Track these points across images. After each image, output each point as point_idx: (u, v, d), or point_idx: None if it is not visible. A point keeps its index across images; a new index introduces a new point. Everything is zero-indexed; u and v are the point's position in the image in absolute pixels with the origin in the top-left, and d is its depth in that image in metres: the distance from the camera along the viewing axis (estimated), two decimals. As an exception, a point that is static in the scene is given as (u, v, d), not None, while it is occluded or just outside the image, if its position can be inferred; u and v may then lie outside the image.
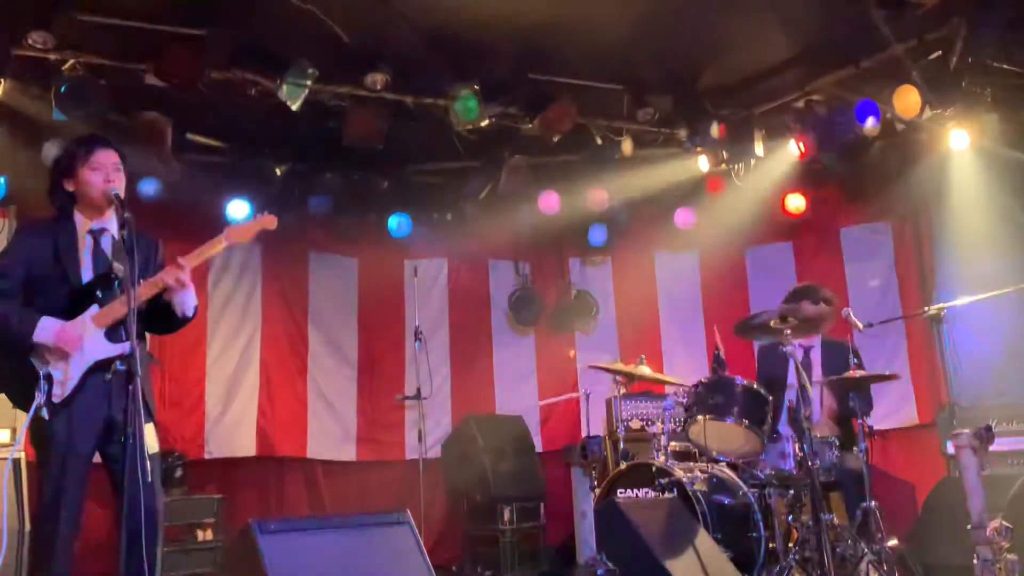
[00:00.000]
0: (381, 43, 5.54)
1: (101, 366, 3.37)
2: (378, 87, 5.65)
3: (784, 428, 5.13)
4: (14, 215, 5.91)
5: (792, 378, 4.87)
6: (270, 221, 3.74)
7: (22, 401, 3.32)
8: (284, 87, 5.38)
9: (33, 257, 3.47)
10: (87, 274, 3.48)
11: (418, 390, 6.69)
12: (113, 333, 3.42)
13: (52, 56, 5.12)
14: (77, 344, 3.35)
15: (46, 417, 3.27)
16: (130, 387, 2.93)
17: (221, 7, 5.03)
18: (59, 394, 3.31)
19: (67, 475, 3.32)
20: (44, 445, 3.35)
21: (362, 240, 7.47)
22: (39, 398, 3.24)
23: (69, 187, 3.54)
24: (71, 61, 5.15)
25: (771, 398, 5.03)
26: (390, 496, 7.14)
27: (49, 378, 3.31)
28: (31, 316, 3.34)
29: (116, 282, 3.42)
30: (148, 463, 3.06)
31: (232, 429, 6.90)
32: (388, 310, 7.57)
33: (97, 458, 3.45)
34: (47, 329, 3.33)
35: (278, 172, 6.56)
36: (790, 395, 5.22)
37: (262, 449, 6.96)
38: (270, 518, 2.99)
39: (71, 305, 3.42)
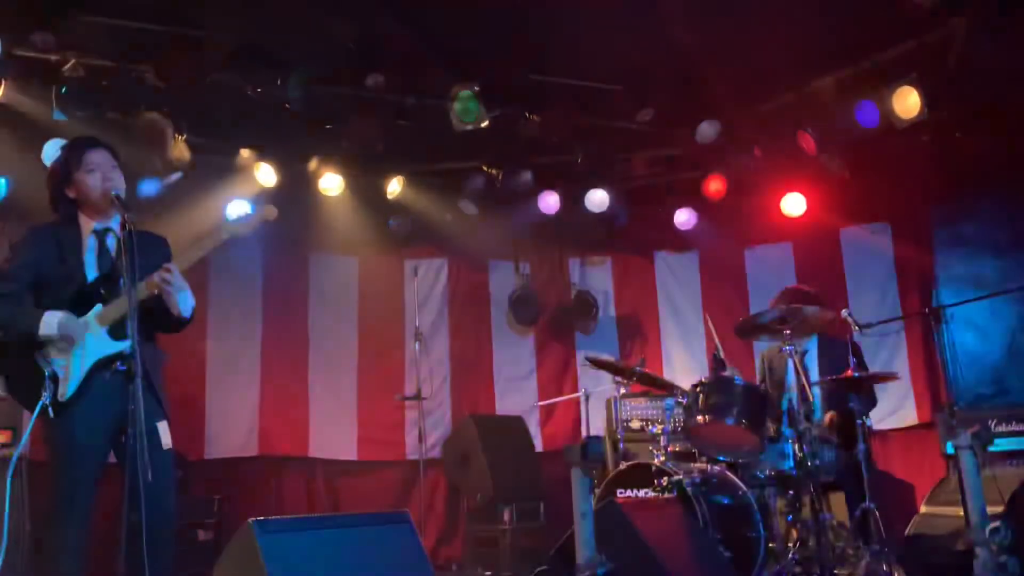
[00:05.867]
0: (381, 43, 5.55)
1: (104, 364, 3.38)
2: (378, 87, 5.65)
3: (785, 428, 5.13)
4: (15, 216, 5.91)
5: (792, 379, 4.87)
6: (270, 212, 3.74)
7: (30, 402, 3.33)
8: (285, 87, 5.38)
9: (39, 259, 3.49)
10: (91, 274, 3.50)
11: (418, 390, 6.69)
12: (116, 331, 3.43)
13: (52, 56, 5.12)
14: (81, 331, 3.36)
15: (51, 416, 3.28)
16: (130, 387, 2.93)
17: (221, 7, 5.04)
18: (63, 393, 3.33)
19: (75, 475, 3.33)
20: (52, 445, 3.36)
21: (362, 241, 7.48)
22: (44, 398, 3.25)
23: (71, 194, 3.56)
24: (72, 61, 5.15)
25: (771, 399, 5.03)
26: (390, 496, 7.14)
27: (55, 378, 3.32)
28: (35, 313, 3.36)
29: (120, 281, 3.42)
30: (159, 460, 3.04)
31: (232, 429, 6.90)
32: (388, 310, 7.57)
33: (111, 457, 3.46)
34: (50, 322, 3.34)
35: (278, 172, 6.57)
36: (790, 396, 5.22)
37: (263, 448, 6.97)
38: (270, 518, 2.99)
39: (76, 305, 3.44)
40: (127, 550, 2.99)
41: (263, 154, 6.49)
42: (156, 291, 3.43)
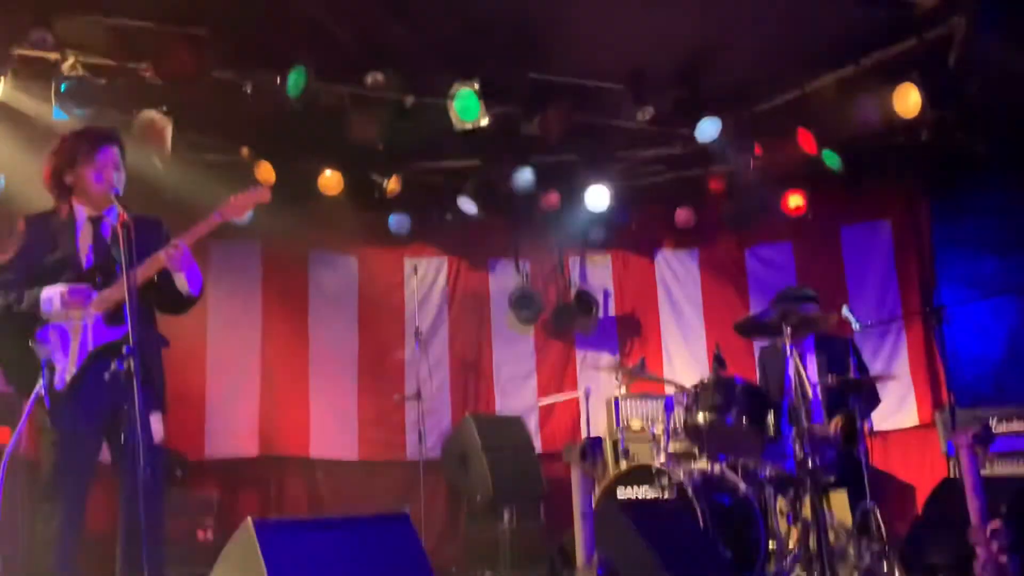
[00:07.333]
0: (381, 43, 5.54)
1: (102, 352, 3.37)
2: (378, 87, 5.65)
3: (785, 428, 5.12)
4: (14, 215, 5.89)
5: (791, 378, 4.86)
6: (263, 194, 3.73)
7: (27, 389, 3.32)
8: (284, 87, 5.37)
9: (34, 247, 3.50)
10: (87, 261, 3.50)
11: (418, 390, 6.69)
12: (112, 318, 3.42)
13: (52, 56, 5.12)
14: (85, 300, 3.35)
15: (47, 405, 3.26)
16: (130, 386, 2.92)
17: (221, 7, 5.03)
18: (60, 381, 3.32)
19: (68, 466, 3.32)
20: (45, 434, 3.36)
21: (362, 239, 7.47)
22: (40, 385, 3.24)
23: (68, 179, 3.55)
24: (71, 61, 5.15)
25: (771, 399, 5.03)
26: (390, 496, 7.14)
27: (51, 366, 3.31)
28: (33, 294, 3.37)
29: (116, 267, 3.40)
30: (152, 456, 3.04)
31: (232, 429, 6.90)
32: (388, 309, 7.57)
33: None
34: (50, 298, 3.34)
35: (277, 171, 6.56)
36: (790, 395, 5.22)
37: (263, 448, 6.96)
38: (269, 517, 2.98)
39: None
40: (123, 546, 2.98)
41: (263, 153, 6.48)
42: (161, 267, 3.43)
